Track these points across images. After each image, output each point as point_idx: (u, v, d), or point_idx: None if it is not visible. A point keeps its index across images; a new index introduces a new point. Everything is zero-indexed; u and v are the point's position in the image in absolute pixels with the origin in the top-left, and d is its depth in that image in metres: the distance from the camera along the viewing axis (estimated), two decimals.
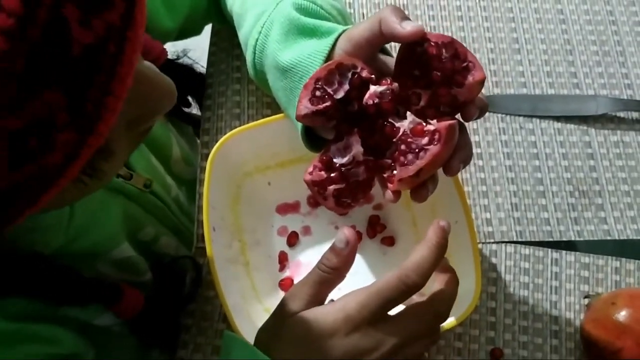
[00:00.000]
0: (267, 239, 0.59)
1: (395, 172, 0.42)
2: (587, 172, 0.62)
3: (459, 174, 0.58)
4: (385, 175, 0.44)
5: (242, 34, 0.54)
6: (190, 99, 0.68)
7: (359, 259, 0.58)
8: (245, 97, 0.64)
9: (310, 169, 0.45)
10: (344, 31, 0.46)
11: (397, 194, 0.43)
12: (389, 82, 0.42)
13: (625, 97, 0.65)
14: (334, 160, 0.44)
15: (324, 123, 0.44)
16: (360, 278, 0.57)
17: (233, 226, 0.57)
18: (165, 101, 0.33)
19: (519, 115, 0.64)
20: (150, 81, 0.32)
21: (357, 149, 0.44)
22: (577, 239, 0.59)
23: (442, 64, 0.40)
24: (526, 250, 0.59)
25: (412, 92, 0.42)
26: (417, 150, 0.41)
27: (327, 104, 0.43)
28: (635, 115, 0.64)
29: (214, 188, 0.53)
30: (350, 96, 0.43)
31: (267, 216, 0.60)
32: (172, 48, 0.62)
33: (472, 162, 0.61)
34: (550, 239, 0.59)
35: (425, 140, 0.40)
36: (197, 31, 0.68)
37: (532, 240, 0.59)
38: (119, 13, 0.25)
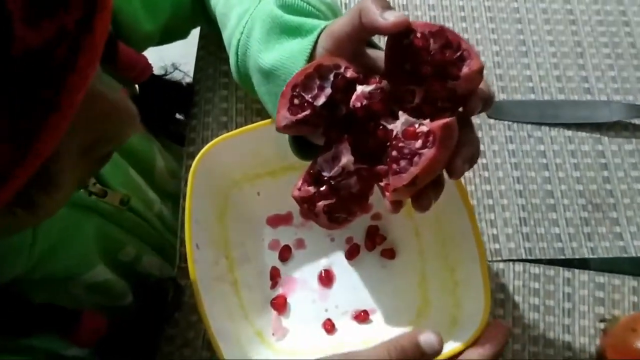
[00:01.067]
0: (257, 254, 0.56)
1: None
2: (600, 184, 0.59)
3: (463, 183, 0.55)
4: (382, 184, 0.40)
5: (226, 35, 0.51)
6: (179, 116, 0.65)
7: (357, 273, 0.55)
8: (233, 103, 0.61)
9: (299, 184, 0.41)
10: (326, 27, 0.42)
11: (396, 204, 0.39)
12: (377, 80, 0.39)
13: None
14: (323, 173, 0.40)
15: (310, 132, 0.40)
16: (359, 293, 0.54)
17: (219, 241, 0.54)
18: (125, 127, 0.31)
19: (527, 123, 0.62)
20: (109, 103, 0.29)
21: (347, 157, 0.40)
22: (591, 256, 0.56)
23: (431, 56, 0.37)
24: (536, 269, 0.56)
25: (405, 89, 0.38)
26: (409, 155, 0.37)
27: (307, 112, 0.39)
28: None
29: (197, 200, 0.50)
30: (336, 100, 0.39)
31: (257, 229, 0.57)
32: (160, 62, 0.60)
33: (477, 174, 0.59)
34: (562, 257, 0.56)
35: (418, 143, 0.36)
36: (182, 34, 0.65)
37: (542, 258, 0.56)
38: (75, 17, 0.22)
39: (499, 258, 0.56)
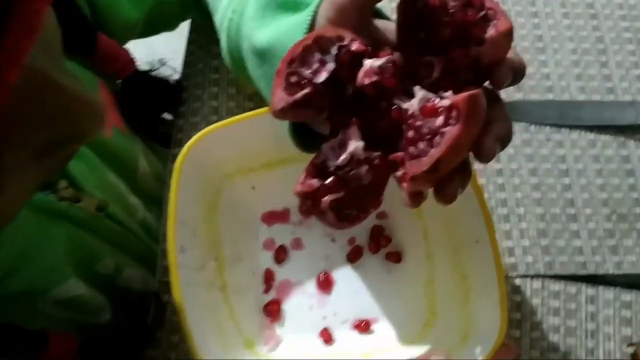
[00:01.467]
0: (250, 255, 0.53)
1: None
2: (625, 192, 0.56)
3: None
4: (398, 173, 0.35)
5: (217, 19, 0.47)
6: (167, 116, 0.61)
7: (359, 278, 0.53)
8: (224, 101, 0.58)
9: (302, 178, 0.36)
10: None
11: (415, 196, 0.33)
12: (388, 52, 0.34)
13: None
14: (328, 163, 0.35)
15: (311, 117, 0.35)
16: (360, 300, 0.52)
17: (208, 241, 0.51)
18: (89, 124, 0.27)
19: (545, 125, 0.58)
20: (70, 96, 0.25)
21: (356, 143, 0.35)
22: (616, 272, 0.53)
23: (450, 16, 0.32)
24: (556, 286, 0.53)
25: (421, 61, 0.34)
26: (429, 135, 0.32)
27: (306, 91, 0.34)
28: None
29: (183, 198, 0.46)
30: (341, 77, 0.35)
31: (251, 226, 0.54)
32: (148, 57, 0.58)
33: (490, 180, 0.56)
34: (585, 272, 0.53)
35: (439, 120, 0.31)
36: (168, 25, 0.61)
37: (563, 273, 0.53)
38: None
39: (515, 273, 0.53)
